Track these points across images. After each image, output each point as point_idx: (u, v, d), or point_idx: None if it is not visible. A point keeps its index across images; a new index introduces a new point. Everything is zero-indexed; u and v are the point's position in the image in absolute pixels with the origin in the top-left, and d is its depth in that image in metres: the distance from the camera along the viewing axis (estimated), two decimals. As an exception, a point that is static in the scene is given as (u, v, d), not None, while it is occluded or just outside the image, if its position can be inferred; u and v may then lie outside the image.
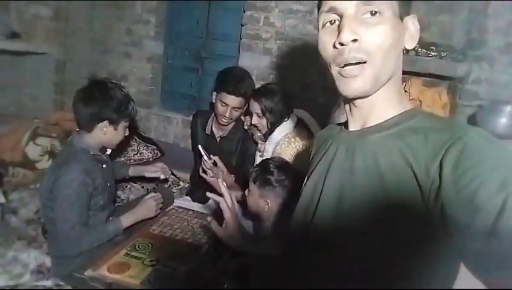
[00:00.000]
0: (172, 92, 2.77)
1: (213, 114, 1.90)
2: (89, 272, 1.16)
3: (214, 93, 1.78)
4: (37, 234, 1.73)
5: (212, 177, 1.70)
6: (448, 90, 2.09)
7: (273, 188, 1.25)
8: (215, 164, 1.72)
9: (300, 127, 1.69)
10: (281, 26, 2.26)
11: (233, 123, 1.88)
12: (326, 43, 0.59)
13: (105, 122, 1.41)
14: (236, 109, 1.75)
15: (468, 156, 0.47)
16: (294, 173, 1.28)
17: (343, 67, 0.57)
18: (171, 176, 2.25)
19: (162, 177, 1.83)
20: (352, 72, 0.57)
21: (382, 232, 0.54)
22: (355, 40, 0.55)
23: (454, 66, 1.97)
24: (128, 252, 1.30)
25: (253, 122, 1.67)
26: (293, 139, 1.59)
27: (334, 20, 0.58)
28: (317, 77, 2.26)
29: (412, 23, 0.60)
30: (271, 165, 1.28)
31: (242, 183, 1.76)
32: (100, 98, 1.38)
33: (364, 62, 0.56)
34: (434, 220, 0.50)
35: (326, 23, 0.59)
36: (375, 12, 0.55)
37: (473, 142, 0.49)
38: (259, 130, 1.68)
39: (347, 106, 0.66)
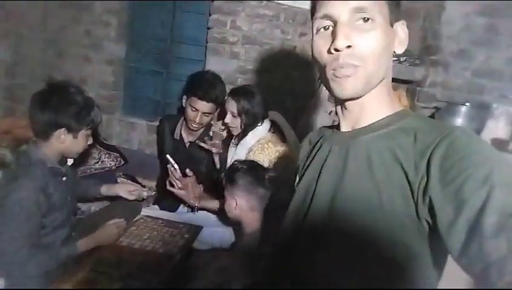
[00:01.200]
0: (136, 97, 2.66)
1: (182, 119, 1.84)
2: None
3: (184, 97, 1.74)
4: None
5: (180, 188, 1.65)
6: (408, 93, 2.21)
7: (238, 185, 1.26)
8: (184, 174, 1.66)
9: (274, 131, 1.69)
10: (248, 30, 2.26)
11: (203, 128, 1.84)
12: (321, 48, 0.61)
13: (63, 129, 1.29)
14: (206, 114, 1.72)
15: (454, 152, 0.50)
16: (259, 167, 1.32)
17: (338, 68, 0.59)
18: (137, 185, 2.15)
19: (144, 196, 1.70)
20: (346, 72, 0.58)
21: (374, 231, 0.56)
22: (349, 46, 0.57)
23: (413, 71, 2.09)
24: (94, 269, 1.21)
25: (226, 121, 1.64)
26: (266, 145, 1.58)
27: (328, 26, 0.60)
28: (285, 81, 2.29)
29: (401, 29, 0.63)
30: (236, 165, 1.31)
31: (213, 191, 1.72)
32: (58, 103, 1.27)
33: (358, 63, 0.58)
34: (423, 216, 0.52)
35: (320, 28, 0.61)
36: (368, 18, 0.57)
37: (458, 139, 0.51)
38: (231, 131, 1.66)
39: (339, 107, 0.68)
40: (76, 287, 1.10)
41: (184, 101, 1.73)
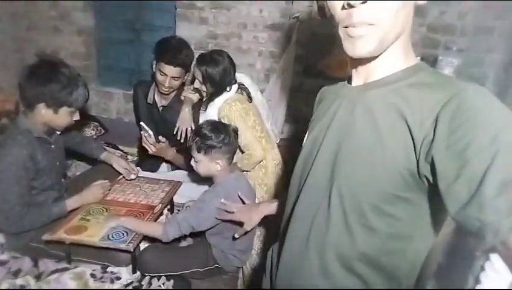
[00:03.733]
0: (110, 66, 2.70)
1: (154, 84, 1.93)
2: (46, 236, 1.22)
3: (154, 62, 1.82)
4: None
5: (154, 152, 1.77)
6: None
7: (219, 149, 1.36)
8: (157, 140, 1.76)
9: (241, 91, 1.77)
10: (215, -5, 2.31)
11: (174, 92, 1.93)
12: (335, 4, 0.58)
13: (43, 104, 1.34)
14: (175, 78, 1.80)
15: (463, 111, 0.48)
16: (226, 127, 1.42)
17: (351, 27, 0.57)
18: (120, 152, 2.27)
19: (130, 178, 1.74)
20: (360, 32, 0.56)
21: (375, 183, 0.58)
22: (364, 2, 0.54)
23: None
24: (84, 217, 1.37)
25: (195, 86, 1.73)
26: (233, 104, 1.65)
27: None
28: (253, 44, 2.38)
29: None
30: (206, 131, 1.37)
31: (184, 151, 1.83)
32: (41, 78, 1.32)
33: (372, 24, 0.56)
34: (423, 173, 0.53)
35: None
36: None
37: (469, 98, 0.50)
38: (201, 94, 1.75)
39: (352, 61, 0.66)
40: (68, 232, 1.25)
41: (154, 66, 1.82)
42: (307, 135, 0.78)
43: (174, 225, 1.29)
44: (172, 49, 1.75)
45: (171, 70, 1.75)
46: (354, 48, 0.58)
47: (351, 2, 0.54)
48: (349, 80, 0.71)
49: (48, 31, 2.55)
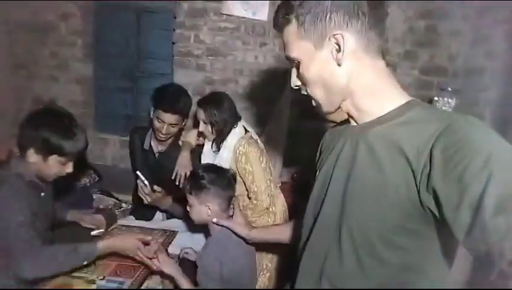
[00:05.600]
0: (107, 113, 2.72)
1: (151, 130, 1.91)
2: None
3: (152, 109, 1.82)
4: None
5: (149, 203, 1.71)
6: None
7: (208, 190, 1.27)
8: (153, 189, 1.71)
9: (249, 133, 1.73)
10: (211, 43, 2.38)
11: (171, 139, 1.92)
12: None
13: (32, 149, 1.27)
14: (173, 126, 1.78)
15: (456, 141, 0.52)
16: (222, 170, 1.35)
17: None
18: (114, 199, 2.20)
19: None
20: (313, 103, 0.74)
21: (381, 217, 0.62)
22: (297, 86, 0.73)
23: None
24: (69, 273, 1.26)
25: (200, 130, 1.70)
26: (251, 140, 1.63)
27: None
28: (249, 89, 2.42)
29: (334, 43, 0.65)
30: (199, 171, 1.31)
31: (182, 200, 1.78)
32: (35, 122, 1.27)
33: (312, 96, 0.72)
34: (426, 204, 0.56)
35: None
36: (299, 62, 0.69)
37: (460, 128, 0.54)
38: (206, 138, 1.71)
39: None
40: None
41: (152, 113, 1.81)
42: (317, 172, 0.82)
43: None
44: (170, 97, 1.75)
45: (169, 117, 1.74)
46: (320, 110, 0.73)
47: (292, 86, 0.75)
48: (349, 121, 0.76)
49: (47, 80, 2.59)
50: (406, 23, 2.26)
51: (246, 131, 1.73)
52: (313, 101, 0.73)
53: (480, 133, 0.53)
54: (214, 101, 1.66)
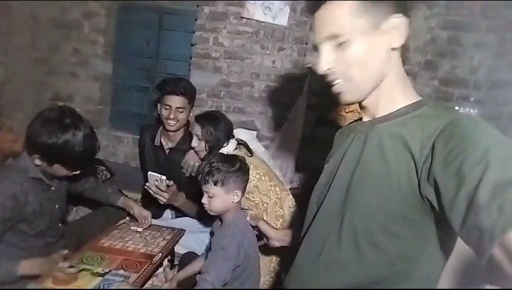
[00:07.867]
0: (123, 112, 2.74)
1: (161, 127, 1.92)
2: (31, 285, 1.10)
3: (158, 105, 1.84)
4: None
5: (167, 199, 1.67)
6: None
7: (236, 178, 1.28)
8: (168, 185, 1.67)
9: (240, 147, 1.72)
10: (230, 46, 2.39)
11: (181, 134, 1.91)
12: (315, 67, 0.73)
13: (36, 156, 1.26)
14: (180, 110, 1.79)
15: (456, 135, 0.55)
16: (234, 156, 1.37)
17: (331, 86, 0.72)
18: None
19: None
20: (336, 89, 0.71)
21: (383, 208, 0.64)
22: (328, 69, 0.69)
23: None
24: (75, 265, 1.25)
25: (192, 145, 1.68)
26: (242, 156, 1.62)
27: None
28: (265, 93, 2.40)
29: (394, 24, 0.65)
30: (215, 164, 1.29)
31: (193, 196, 1.75)
32: (40, 132, 1.23)
33: (345, 79, 0.69)
34: (425, 195, 0.58)
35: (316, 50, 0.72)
36: (343, 42, 0.65)
37: (461, 124, 0.57)
38: (198, 153, 1.70)
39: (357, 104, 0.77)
40: (56, 282, 1.13)
41: (159, 107, 1.83)
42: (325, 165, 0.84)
43: (208, 286, 1.13)
44: (172, 80, 1.83)
45: (174, 100, 1.77)
46: (340, 99, 0.72)
47: (318, 71, 0.70)
48: (361, 117, 0.80)
49: (66, 76, 2.63)
50: (429, 33, 2.21)
51: (240, 144, 1.72)
52: (335, 88, 0.71)
53: (481, 129, 0.55)
54: (212, 119, 1.67)
